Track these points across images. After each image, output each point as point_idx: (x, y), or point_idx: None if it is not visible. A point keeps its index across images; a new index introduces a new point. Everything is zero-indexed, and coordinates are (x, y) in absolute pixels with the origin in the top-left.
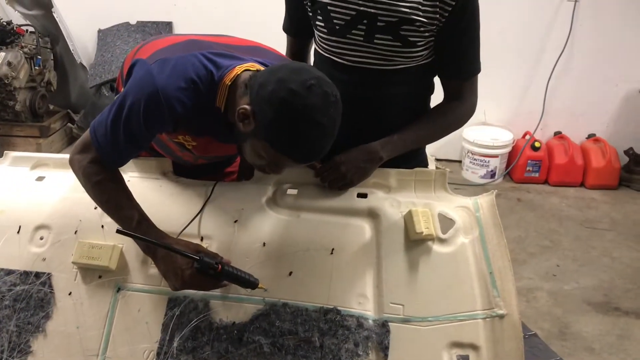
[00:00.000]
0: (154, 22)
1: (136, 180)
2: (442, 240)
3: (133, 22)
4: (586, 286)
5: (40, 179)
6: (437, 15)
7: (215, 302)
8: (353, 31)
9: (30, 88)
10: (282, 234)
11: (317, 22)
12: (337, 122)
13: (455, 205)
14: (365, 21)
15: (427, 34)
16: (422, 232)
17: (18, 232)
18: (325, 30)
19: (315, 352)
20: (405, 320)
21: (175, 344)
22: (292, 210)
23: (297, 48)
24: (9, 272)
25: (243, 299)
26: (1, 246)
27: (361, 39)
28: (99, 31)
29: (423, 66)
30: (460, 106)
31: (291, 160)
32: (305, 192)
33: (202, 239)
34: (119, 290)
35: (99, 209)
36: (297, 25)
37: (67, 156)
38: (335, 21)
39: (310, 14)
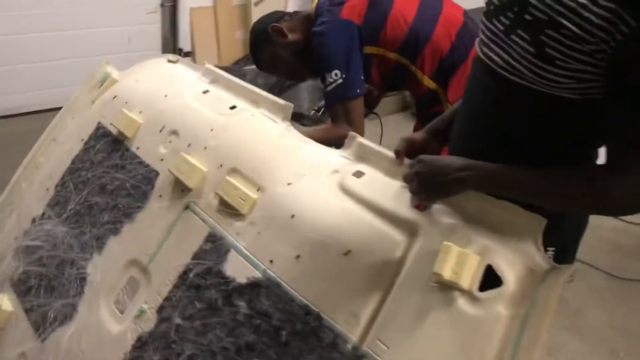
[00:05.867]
0: None
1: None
2: (473, 298)
3: None
4: None
5: (205, 92)
6: (601, 33)
7: (233, 254)
8: (500, 17)
9: None
10: (314, 214)
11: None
12: None
13: (523, 264)
14: (515, 9)
15: (574, 54)
16: (441, 275)
17: (161, 130)
18: (485, 11)
19: (277, 347)
20: None
21: (191, 276)
22: (344, 194)
23: None
24: (140, 162)
25: (254, 262)
26: (145, 139)
27: (502, 28)
28: None
29: (564, 102)
30: (620, 179)
31: None
32: (372, 180)
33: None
34: (186, 208)
35: (214, 130)
36: None
37: (231, 78)
38: (493, 0)
39: None
